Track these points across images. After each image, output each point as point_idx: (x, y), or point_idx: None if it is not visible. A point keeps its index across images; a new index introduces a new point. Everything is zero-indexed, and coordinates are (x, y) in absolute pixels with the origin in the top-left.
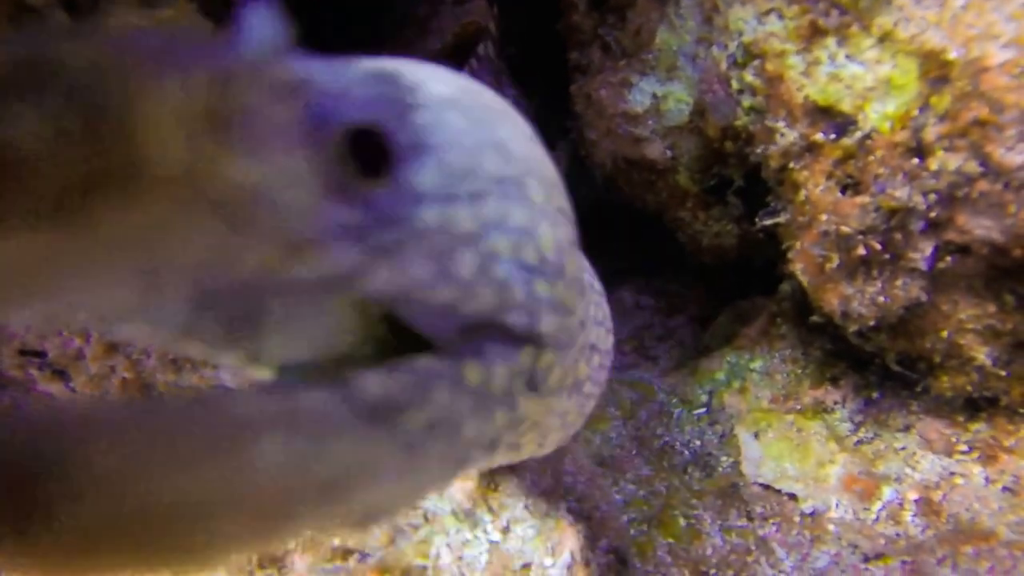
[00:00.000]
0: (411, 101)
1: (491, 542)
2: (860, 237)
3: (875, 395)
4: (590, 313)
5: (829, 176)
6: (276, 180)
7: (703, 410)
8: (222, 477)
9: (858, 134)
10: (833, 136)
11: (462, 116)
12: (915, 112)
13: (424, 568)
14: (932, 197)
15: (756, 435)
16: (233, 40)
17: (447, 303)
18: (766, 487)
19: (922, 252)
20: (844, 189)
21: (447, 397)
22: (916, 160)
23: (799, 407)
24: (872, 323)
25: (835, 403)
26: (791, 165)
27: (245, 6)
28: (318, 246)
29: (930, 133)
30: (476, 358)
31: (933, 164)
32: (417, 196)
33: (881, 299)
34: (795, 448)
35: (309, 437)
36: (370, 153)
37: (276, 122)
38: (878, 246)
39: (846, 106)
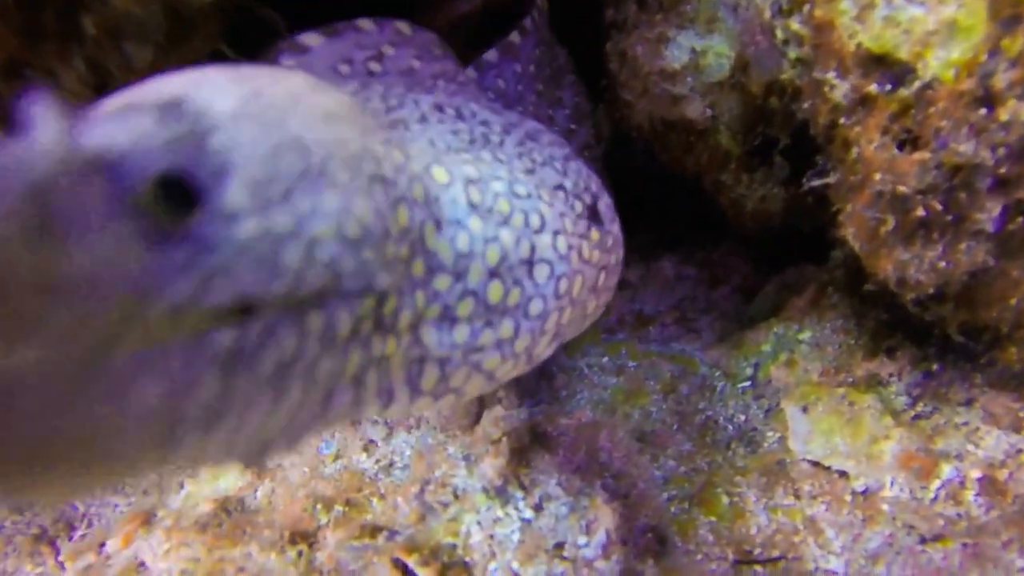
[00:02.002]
0: (201, 130)
1: (523, 520)
2: (919, 197)
3: (934, 367)
4: (456, 250)
5: (884, 131)
6: (106, 255)
7: (748, 384)
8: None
9: (917, 84)
10: (889, 87)
11: (252, 125)
12: (983, 57)
13: (454, 547)
14: (1001, 152)
15: (804, 409)
16: (23, 138)
17: (284, 293)
18: (815, 464)
19: (989, 212)
20: (901, 145)
21: (293, 341)
22: (984, 111)
23: (851, 380)
24: (931, 291)
25: (890, 376)
26: (842, 121)
27: (24, 103)
28: (153, 295)
29: (1000, 80)
30: (318, 309)
31: (1003, 115)
32: (231, 216)
33: (942, 264)
34: (847, 423)
35: (177, 381)
36: (182, 190)
37: (88, 206)
38: (939, 207)
39: (904, 53)
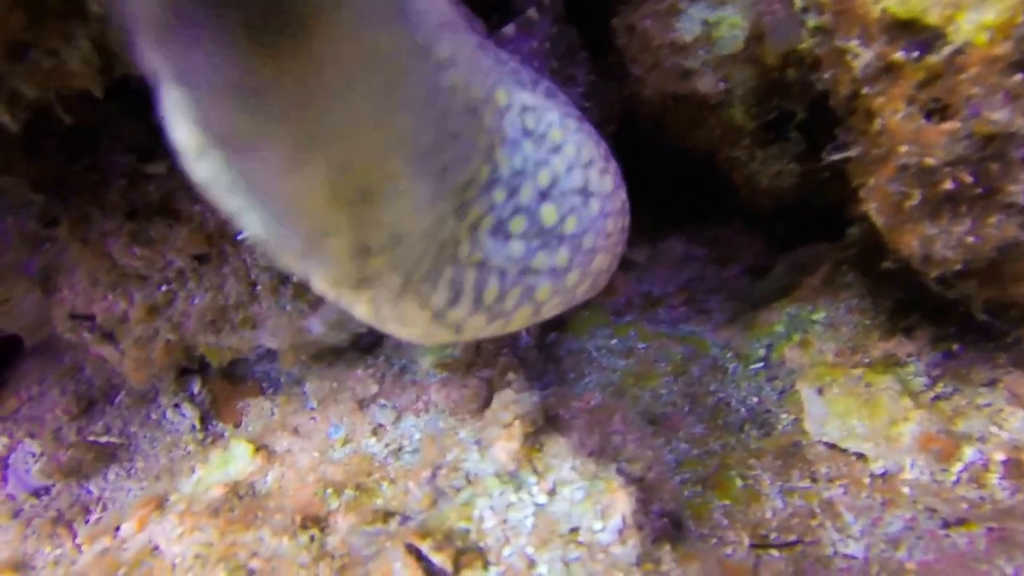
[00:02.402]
0: None
1: (537, 505)
2: (947, 169)
3: (955, 347)
4: (512, 167)
5: (911, 101)
6: None
7: (760, 365)
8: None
9: (947, 49)
10: (916, 54)
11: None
12: (1020, 18)
13: (467, 531)
14: None
15: (820, 391)
16: None
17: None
18: (831, 446)
19: (1022, 184)
20: (929, 115)
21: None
22: (1020, 76)
23: (868, 361)
24: (958, 267)
25: (909, 356)
26: (865, 91)
27: None
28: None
29: None
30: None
31: None
32: None
33: (970, 240)
34: (864, 404)
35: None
36: None
37: None
38: (969, 179)
39: (933, 18)
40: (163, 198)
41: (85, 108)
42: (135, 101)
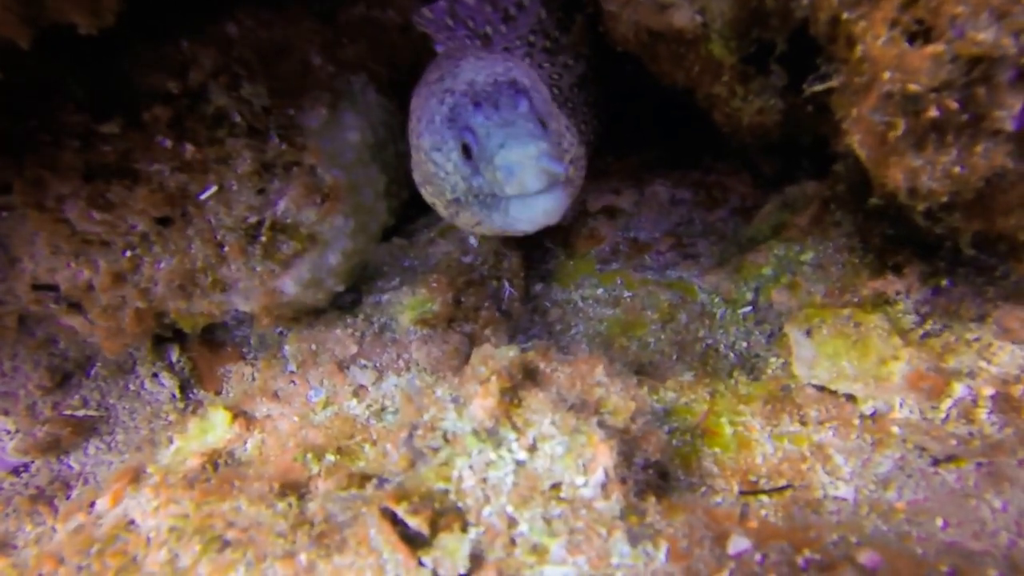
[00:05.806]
0: None
1: (517, 462)
2: (932, 95)
3: (944, 283)
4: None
5: (893, 24)
6: None
7: (748, 308)
8: None
9: None
10: None
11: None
12: None
13: (446, 492)
14: None
15: (808, 333)
16: None
17: None
18: (821, 389)
19: (1010, 109)
20: (912, 38)
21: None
22: None
23: (857, 300)
24: (945, 199)
25: (898, 294)
26: (845, 15)
27: None
28: None
29: None
30: None
31: None
32: None
33: (956, 170)
34: (853, 345)
35: None
36: None
37: None
38: (954, 105)
39: None
40: (120, 158)
41: (27, 64)
42: (84, 57)
